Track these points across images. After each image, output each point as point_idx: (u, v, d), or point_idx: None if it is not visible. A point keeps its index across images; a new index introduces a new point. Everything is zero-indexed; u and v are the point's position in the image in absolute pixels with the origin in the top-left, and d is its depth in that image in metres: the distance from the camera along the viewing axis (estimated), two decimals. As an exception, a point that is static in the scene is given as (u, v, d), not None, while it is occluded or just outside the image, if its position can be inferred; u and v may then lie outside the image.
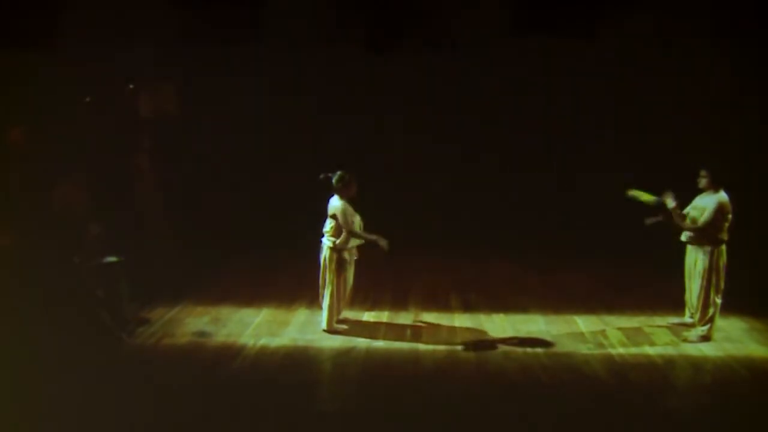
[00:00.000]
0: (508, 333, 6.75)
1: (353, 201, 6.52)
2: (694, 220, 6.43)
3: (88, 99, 8.83)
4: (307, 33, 10.47)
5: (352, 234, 6.42)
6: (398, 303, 7.65)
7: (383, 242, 6.33)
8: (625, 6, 10.01)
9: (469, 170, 10.80)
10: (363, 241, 6.53)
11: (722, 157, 6.90)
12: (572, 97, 10.56)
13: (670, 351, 6.31)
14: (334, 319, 6.67)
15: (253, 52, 10.31)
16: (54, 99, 8.34)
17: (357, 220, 6.50)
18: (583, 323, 7.05)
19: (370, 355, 6.14)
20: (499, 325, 6.99)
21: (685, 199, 6.64)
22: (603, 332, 6.79)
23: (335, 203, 6.46)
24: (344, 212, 6.38)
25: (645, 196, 6.59)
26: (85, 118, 8.71)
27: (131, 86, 9.31)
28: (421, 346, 6.36)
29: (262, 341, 6.39)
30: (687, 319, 6.87)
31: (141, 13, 9.63)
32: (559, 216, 10.32)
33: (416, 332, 6.74)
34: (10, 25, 8.68)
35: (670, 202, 6.47)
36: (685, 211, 6.54)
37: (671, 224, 6.58)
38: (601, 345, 6.44)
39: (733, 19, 9.38)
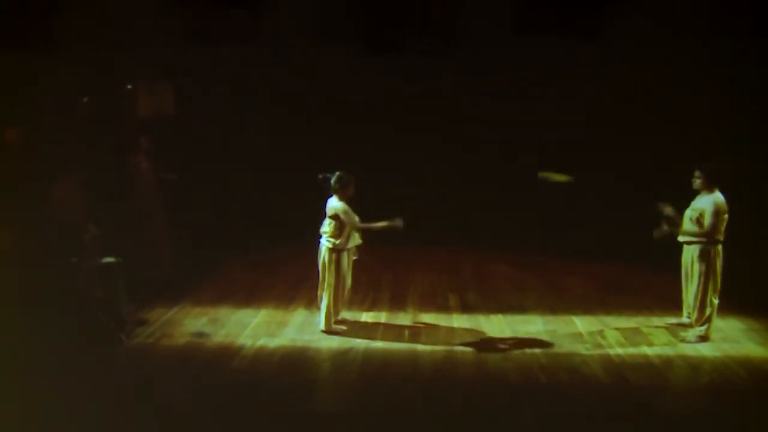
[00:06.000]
0: (507, 333, 6.75)
1: (351, 202, 6.52)
2: (699, 222, 6.41)
3: (86, 99, 8.84)
4: (308, 33, 10.46)
5: (360, 228, 6.42)
6: (396, 303, 7.65)
7: (396, 222, 6.36)
8: (627, 6, 10.01)
9: (469, 170, 10.79)
10: (369, 230, 6.48)
11: (721, 157, 6.88)
12: (573, 96, 10.55)
13: (667, 351, 6.31)
14: (333, 319, 6.67)
15: (253, 53, 10.31)
16: (53, 99, 8.34)
17: (356, 220, 6.51)
18: (581, 323, 7.05)
19: (368, 355, 6.14)
20: (497, 325, 7.00)
21: (683, 199, 6.65)
22: (601, 332, 6.79)
23: (334, 204, 6.46)
24: (345, 211, 6.39)
25: (556, 176, 6.57)
26: (84, 118, 8.72)
27: (129, 87, 9.32)
28: (420, 347, 6.36)
29: (261, 342, 6.39)
30: (684, 319, 6.86)
31: (140, 14, 9.62)
32: (558, 216, 10.30)
33: (414, 333, 6.74)
34: (10, 26, 8.67)
35: (669, 212, 6.50)
36: (685, 213, 6.55)
37: (677, 233, 6.54)
38: (599, 345, 6.44)
39: (733, 19, 9.38)
